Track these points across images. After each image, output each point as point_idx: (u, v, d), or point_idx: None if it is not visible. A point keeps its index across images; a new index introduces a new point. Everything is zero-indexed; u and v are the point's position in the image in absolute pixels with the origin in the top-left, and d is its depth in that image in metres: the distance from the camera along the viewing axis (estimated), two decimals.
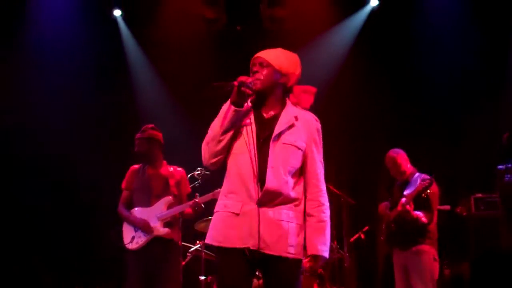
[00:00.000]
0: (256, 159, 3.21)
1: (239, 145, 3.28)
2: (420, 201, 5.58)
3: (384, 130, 7.78)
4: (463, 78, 7.63)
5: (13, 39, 7.67)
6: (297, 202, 3.25)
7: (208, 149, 3.30)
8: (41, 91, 7.65)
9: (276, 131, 3.27)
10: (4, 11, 7.58)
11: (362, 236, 6.62)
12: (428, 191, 5.56)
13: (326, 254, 3.25)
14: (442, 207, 6.17)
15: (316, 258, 3.23)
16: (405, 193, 5.67)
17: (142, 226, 5.44)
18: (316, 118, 3.37)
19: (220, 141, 3.27)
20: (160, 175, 5.60)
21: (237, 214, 3.22)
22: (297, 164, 3.26)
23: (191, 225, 6.10)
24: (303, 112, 3.36)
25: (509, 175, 5.94)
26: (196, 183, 5.73)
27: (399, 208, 5.59)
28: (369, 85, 7.91)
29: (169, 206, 5.50)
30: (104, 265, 7.24)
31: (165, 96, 8.20)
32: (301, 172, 3.30)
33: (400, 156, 5.91)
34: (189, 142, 7.30)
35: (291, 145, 3.26)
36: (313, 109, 3.41)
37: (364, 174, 7.65)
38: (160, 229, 5.44)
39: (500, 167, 6.02)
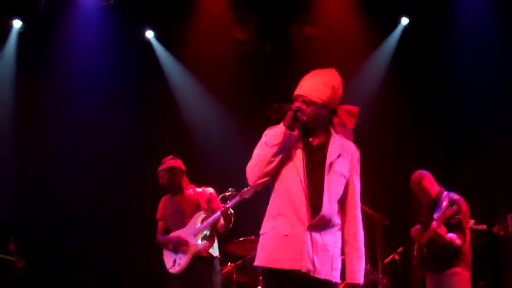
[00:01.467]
0: (306, 184, 3.31)
1: (288, 169, 3.39)
2: (451, 223, 5.50)
3: (419, 149, 7.75)
4: (497, 94, 7.55)
5: (47, 64, 7.91)
6: (338, 228, 3.41)
7: (257, 169, 3.39)
8: (80, 116, 7.89)
9: (329, 159, 3.39)
10: (37, 35, 7.80)
11: (397, 257, 6.58)
12: (459, 216, 5.45)
13: (362, 280, 3.40)
14: (478, 227, 6.10)
15: (354, 286, 3.38)
16: (434, 216, 5.59)
17: (177, 241, 5.67)
18: (356, 147, 3.49)
19: (270, 162, 3.36)
20: (189, 197, 5.86)
21: (286, 236, 3.32)
22: (342, 192, 3.43)
23: (222, 246, 6.14)
24: (346, 141, 3.48)
25: None
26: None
27: (430, 232, 5.54)
28: (404, 103, 7.94)
29: (203, 221, 5.70)
30: None
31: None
32: (340, 199, 3.44)
33: (425, 180, 5.81)
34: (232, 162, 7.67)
35: (341, 174, 3.41)
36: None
37: (398, 194, 7.58)
38: (199, 244, 5.63)
39: None
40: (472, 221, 5.86)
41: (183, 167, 5.92)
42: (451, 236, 5.49)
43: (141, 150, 8.01)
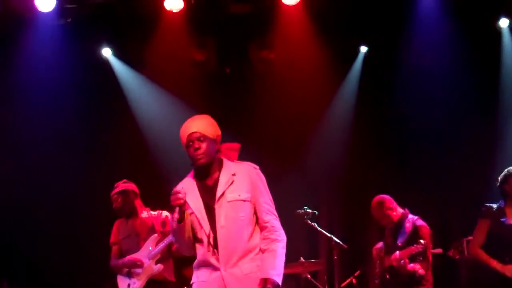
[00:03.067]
0: (208, 226, 3.53)
1: (194, 217, 3.60)
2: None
3: (375, 173, 7.93)
4: (453, 121, 7.82)
5: (3, 83, 7.83)
6: (257, 251, 3.53)
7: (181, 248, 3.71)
8: (35, 134, 7.81)
9: (218, 193, 3.58)
10: None
11: (354, 281, 6.69)
12: (422, 250, 5.60)
13: (276, 278, 3.45)
14: (434, 251, 6.25)
15: (265, 281, 3.44)
16: (398, 241, 5.71)
17: (132, 264, 5.69)
18: (254, 165, 3.68)
19: (178, 242, 3.67)
20: (144, 220, 5.92)
21: (205, 281, 3.53)
22: (248, 215, 3.57)
23: (179, 270, 6.19)
24: (240, 164, 3.68)
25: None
26: None
27: (393, 263, 5.65)
28: (360, 126, 8.15)
29: (157, 243, 5.74)
30: None
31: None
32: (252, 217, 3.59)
33: (386, 204, 5.95)
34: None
35: (236, 200, 3.57)
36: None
37: (355, 217, 7.74)
38: (153, 267, 5.67)
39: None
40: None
41: (136, 190, 5.98)
42: (414, 266, 5.61)
43: (99, 170, 7.95)
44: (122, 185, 5.95)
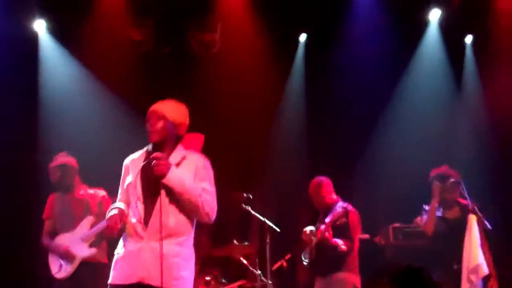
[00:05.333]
0: (142, 199, 3.76)
1: (130, 191, 3.91)
2: (339, 229, 5.87)
3: (309, 159, 8.22)
4: (382, 110, 8.29)
5: None
6: (183, 238, 3.75)
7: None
8: None
9: None
10: None
11: (285, 264, 6.91)
12: (346, 219, 5.89)
13: (171, 178, 3.69)
14: (362, 236, 6.55)
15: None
16: (326, 220, 5.97)
17: (64, 253, 5.67)
18: (204, 157, 3.96)
19: None
20: (79, 198, 5.92)
21: (129, 251, 3.73)
22: None
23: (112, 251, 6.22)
24: (191, 153, 3.92)
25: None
26: None
27: (318, 235, 5.89)
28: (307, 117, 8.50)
29: (92, 226, 5.77)
30: None
31: (90, 118, 8.13)
32: None
33: (324, 187, 6.18)
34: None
35: None
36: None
37: (288, 201, 8.01)
38: (86, 251, 5.69)
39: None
40: (359, 232, 6.25)
41: (76, 165, 5.95)
42: (337, 241, 5.86)
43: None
44: (62, 158, 5.91)
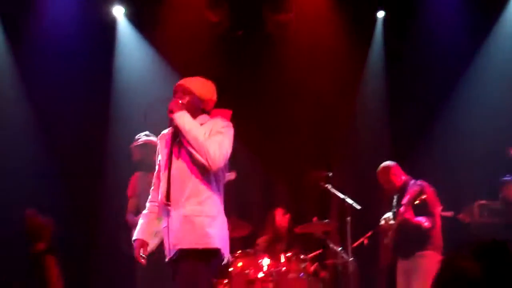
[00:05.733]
0: (167, 169, 3.83)
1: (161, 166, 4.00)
2: (419, 207, 5.81)
3: (390, 137, 8.18)
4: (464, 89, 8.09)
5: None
6: (205, 196, 3.72)
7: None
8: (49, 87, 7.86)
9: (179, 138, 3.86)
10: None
11: (366, 241, 6.88)
12: (424, 196, 5.81)
13: (179, 115, 3.78)
14: (445, 214, 6.45)
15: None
16: (402, 202, 5.91)
17: None
18: (225, 119, 3.91)
19: None
20: None
21: (164, 228, 3.82)
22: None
23: None
24: (213, 119, 3.92)
25: None
26: None
27: (398, 217, 5.85)
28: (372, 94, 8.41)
29: None
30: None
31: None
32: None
33: (391, 171, 6.15)
34: None
35: None
36: None
37: (369, 179, 7.92)
38: None
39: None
40: (440, 208, 6.16)
41: (157, 144, 5.98)
42: (419, 219, 5.78)
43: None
44: (144, 138, 6.01)
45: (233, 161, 7.08)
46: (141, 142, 6.02)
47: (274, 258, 6.45)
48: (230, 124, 3.86)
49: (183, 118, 3.74)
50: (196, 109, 3.90)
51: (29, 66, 7.86)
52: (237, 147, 8.06)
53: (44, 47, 7.88)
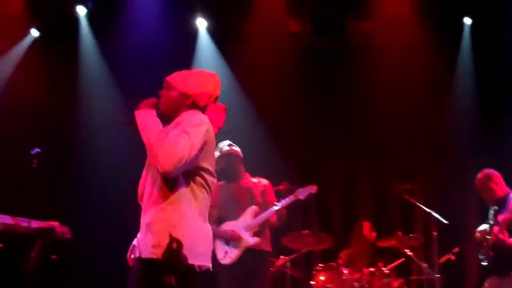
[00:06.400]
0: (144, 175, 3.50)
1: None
2: None
3: (476, 148, 7.87)
4: None
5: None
6: (169, 201, 3.31)
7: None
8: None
9: None
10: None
11: (453, 257, 6.67)
12: None
13: (139, 112, 3.46)
14: None
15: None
16: (499, 218, 5.68)
17: (231, 237, 5.77)
18: (197, 114, 3.47)
19: None
20: (243, 187, 5.95)
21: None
22: None
23: (276, 239, 6.29)
24: (187, 113, 3.49)
25: None
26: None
27: (493, 237, 5.64)
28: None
29: (255, 215, 5.81)
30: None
31: (247, 112, 8.25)
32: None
33: (492, 179, 5.91)
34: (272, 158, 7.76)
35: None
36: None
37: (455, 192, 7.74)
38: (250, 239, 5.73)
39: None
40: None
41: (240, 154, 5.97)
42: None
43: None
44: (227, 147, 5.97)
45: (315, 174, 6.93)
46: (225, 152, 5.96)
47: (357, 272, 6.32)
48: (201, 123, 3.38)
49: (141, 117, 3.43)
50: (180, 105, 3.52)
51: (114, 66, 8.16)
52: (319, 159, 7.81)
53: (127, 48, 8.13)
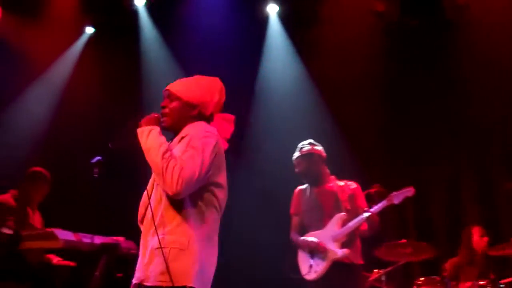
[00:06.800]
0: (148, 196, 3.35)
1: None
2: None
3: None
4: None
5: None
6: (175, 223, 3.19)
7: None
8: None
9: None
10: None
11: None
12: None
13: (142, 129, 3.27)
14: None
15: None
16: None
17: (315, 247, 5.44)
18: (207, 129, 3.32)
19: None
20: (328, 191, 5.62)
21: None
22: None
23: (369, 250, 5.88)
24: (192, 126, 3.37)
25: None
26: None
27: None
28: None
29: (343, 224, 5.44)
30: None
31: (322, 107, 8.01)
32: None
33: None
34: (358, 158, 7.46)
35: None
36: None
37: None
38: (338, 251, 5.40)
39: None
40: None
41: (323, 154, 5.65)
42: None
43: None
44: (309, 147, 5.66)
45: (411, 174, 6.41)
46: (306, 152, 5.64)
47: (466, 286, 6.02)
48: (209, 135, 3.26)
49: (144, 135, 3.25)
50: (186, 117, 3.39)
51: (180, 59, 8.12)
52: (414, 157, 7.37)
53: (194, 37, 8.05)
